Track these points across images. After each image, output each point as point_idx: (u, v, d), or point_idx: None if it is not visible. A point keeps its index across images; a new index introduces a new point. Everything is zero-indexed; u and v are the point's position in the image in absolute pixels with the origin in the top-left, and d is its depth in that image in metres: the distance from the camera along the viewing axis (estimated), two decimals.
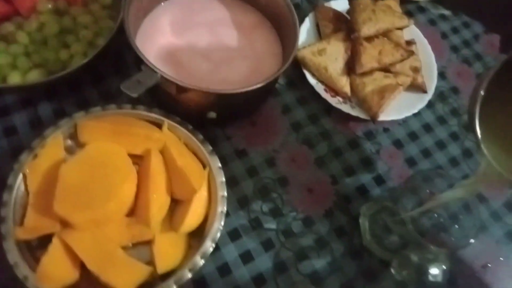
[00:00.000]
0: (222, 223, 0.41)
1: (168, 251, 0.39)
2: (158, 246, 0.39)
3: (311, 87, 0.51)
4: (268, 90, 0.49)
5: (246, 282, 0.41)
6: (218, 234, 0.40)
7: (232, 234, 0.43)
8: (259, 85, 0.40)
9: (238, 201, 0.45)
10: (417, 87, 0.53)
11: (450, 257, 0.45)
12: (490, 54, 0.62)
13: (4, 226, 0.37)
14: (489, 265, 0.47)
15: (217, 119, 0.45)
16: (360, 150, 0.51)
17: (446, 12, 0.64)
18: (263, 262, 0.42)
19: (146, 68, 0.37)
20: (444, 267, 0.35)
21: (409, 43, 0.56)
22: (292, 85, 0.53)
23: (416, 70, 0.53)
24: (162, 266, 0.38)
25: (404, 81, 0.52)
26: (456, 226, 0.39)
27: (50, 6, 0.47)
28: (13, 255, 0.35)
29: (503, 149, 0.28)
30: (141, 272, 0.37)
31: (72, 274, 0.37)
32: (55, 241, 0.37)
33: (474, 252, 0.47)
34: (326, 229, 0.45)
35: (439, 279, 0.35)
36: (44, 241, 0.37)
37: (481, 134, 0.28)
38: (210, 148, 0.44)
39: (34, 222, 0.38)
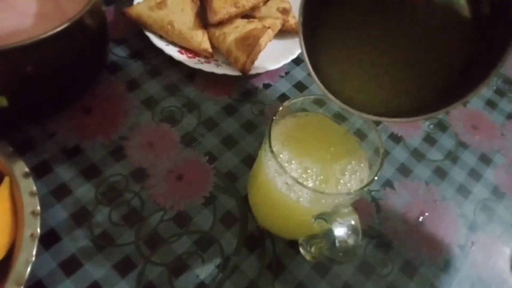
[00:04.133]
0: (34, 251, 0.26)
1: None
2: None
3: (163, 53, 0.40)
4: (89, 61, 0.36)
5: None
6: (28, 270, 0.26)
7: (66, 266, 0.29)
8: (45, 35, 0.27)
9: (73, 217, 0.31)
10: (291, 30, 0.45)
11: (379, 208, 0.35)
12: None
13: None
14: (426, 213, 0.38)
15: (15, 108, 0.31)
16: (239, 115, 0.40)
17: None
18: None
19: None
20: (352, 221, 0.24)
21: None
22: (139, 56, 0.41)
23: (285, 11, 0.45)
24: None
25: (273, 23, 0.43)
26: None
27: None
28: None
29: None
30: None
31: None
32: None
33: (405, 202, 0.38)
34: (209, 222, 0.33)
35: (352, 241, 0.24)
36: None
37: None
38: (10, 149, 0.30)
39: None
